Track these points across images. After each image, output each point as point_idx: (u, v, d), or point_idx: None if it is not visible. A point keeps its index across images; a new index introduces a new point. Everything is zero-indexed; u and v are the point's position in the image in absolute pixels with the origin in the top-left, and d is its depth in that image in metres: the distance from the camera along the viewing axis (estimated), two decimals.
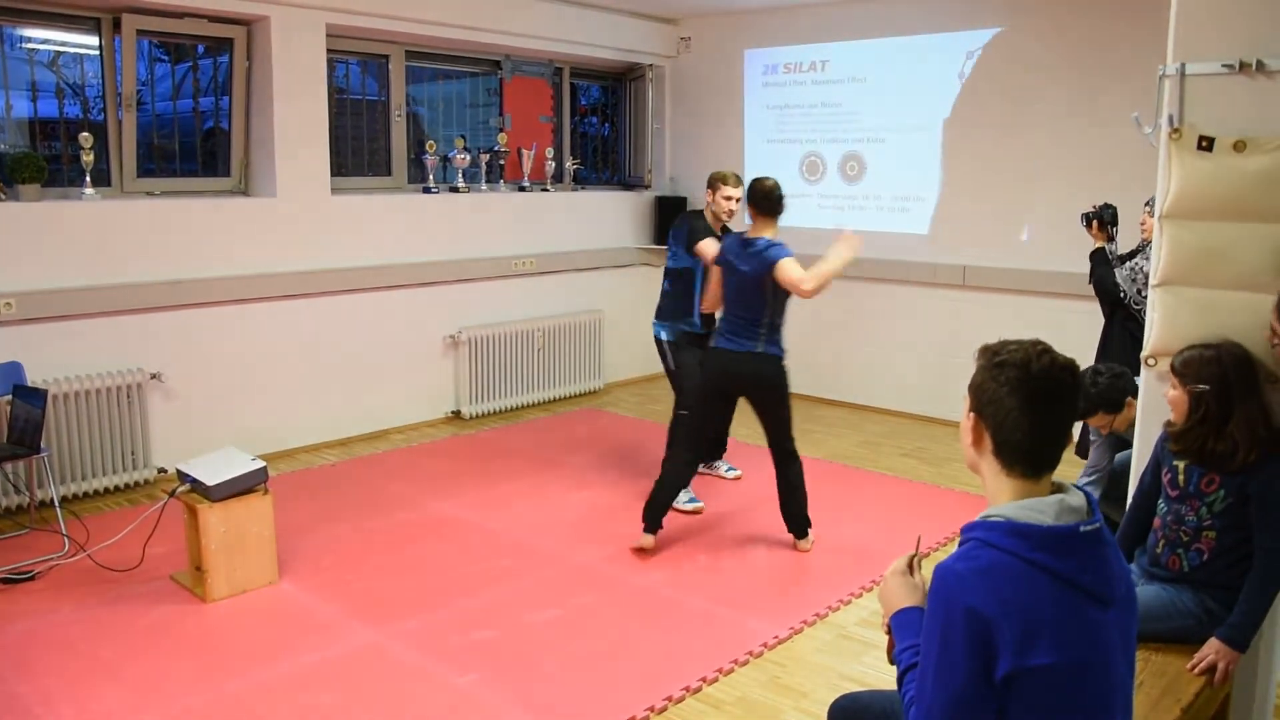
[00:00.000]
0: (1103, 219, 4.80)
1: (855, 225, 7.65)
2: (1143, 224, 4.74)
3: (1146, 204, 4.65)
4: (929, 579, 1.85)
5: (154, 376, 5.68)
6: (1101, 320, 4.91)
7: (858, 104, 7.61)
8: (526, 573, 4.63)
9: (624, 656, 3.87)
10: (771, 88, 8.10)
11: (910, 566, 2.11)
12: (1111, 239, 4.84)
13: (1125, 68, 6.20)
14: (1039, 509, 1.77)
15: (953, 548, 2.05)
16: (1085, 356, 5.00)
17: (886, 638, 2.09)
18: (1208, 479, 2.88)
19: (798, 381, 8.00)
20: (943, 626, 1.73)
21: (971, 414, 1.87)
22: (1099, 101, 6.36)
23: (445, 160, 7.41)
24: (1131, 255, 4.79)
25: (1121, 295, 4.70)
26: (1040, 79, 6.62)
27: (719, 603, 4.29)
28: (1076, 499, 1.81)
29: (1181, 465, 2.95)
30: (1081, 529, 1.77)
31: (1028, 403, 1.78)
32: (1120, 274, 4.70)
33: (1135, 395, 3.55)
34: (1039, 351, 1.81)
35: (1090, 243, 4.90)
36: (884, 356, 7.62)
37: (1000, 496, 1.84)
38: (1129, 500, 3.18)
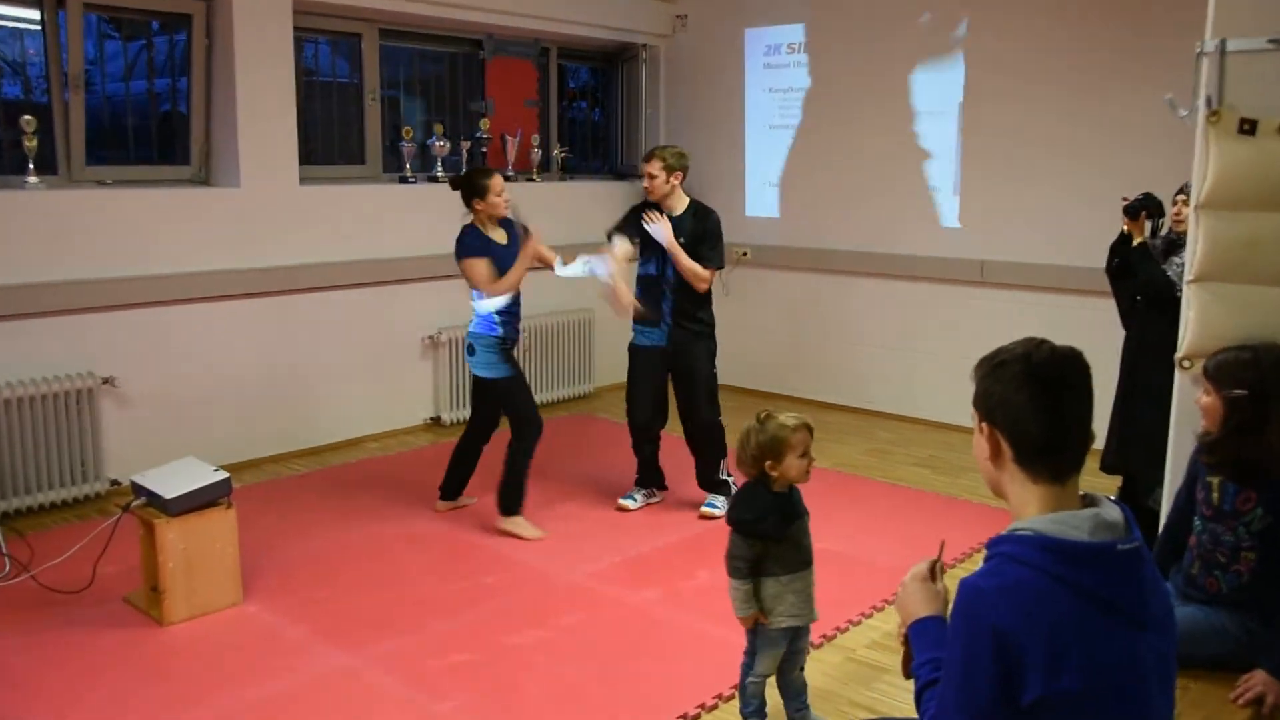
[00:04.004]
0: (1149, 209, 4.75)
1: (865, 217, 7.64)
2: (1176, 214, 4.70)
3: (1180, 192, 4.62)
4: (952, 590, 1.83)
5: (106, 381, 5.64)
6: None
7: (876, 90, 7.58)
8: (509, 591, 4.60)
9: (614, 682, 3.84)
10: (774, 69, 8.08)
11: (932, 572, 2.10)
12: (1155, 233, 4.80)
13: (1159, 44, 6.18)
14: (1072, 523, 1.75)
15: (970, 565, 2.02)
16: (1116, 359, 4.99)
17: (903, 649, 2.07)
18: (1244, 496, 2.85)
19: (799, 383, 8.03)
20: (966, 646, 1.73)
21: (983, 425, 1.87)
22: (1129, 82, 6.34)
23: (423, 148, 7.39)
24: (1171, 248, 4.72)
25: (1177, 293, 4.64)
26: (1064, 58, 6.60)
27: (717, 624, 4.24)
28: (1113, 514, 1.79)
29: (1216, 482, 2.92)
30: (1119, 547, 1.74)
31: (1038, 394, 1.79)
32: (1171, 271, 4.63)
33: None
34: (1036, 344, 1.84)
35: (1111, 235, 4.87)
36: (894, 358, 7.60)
37: (1027, 508, 1.82)
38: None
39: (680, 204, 5.43)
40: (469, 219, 5.27)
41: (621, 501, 5.64)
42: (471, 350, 5.22)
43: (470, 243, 5.19)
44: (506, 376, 5.20)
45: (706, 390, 5.47)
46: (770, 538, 3.21)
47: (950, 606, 1.84)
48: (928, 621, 2.02)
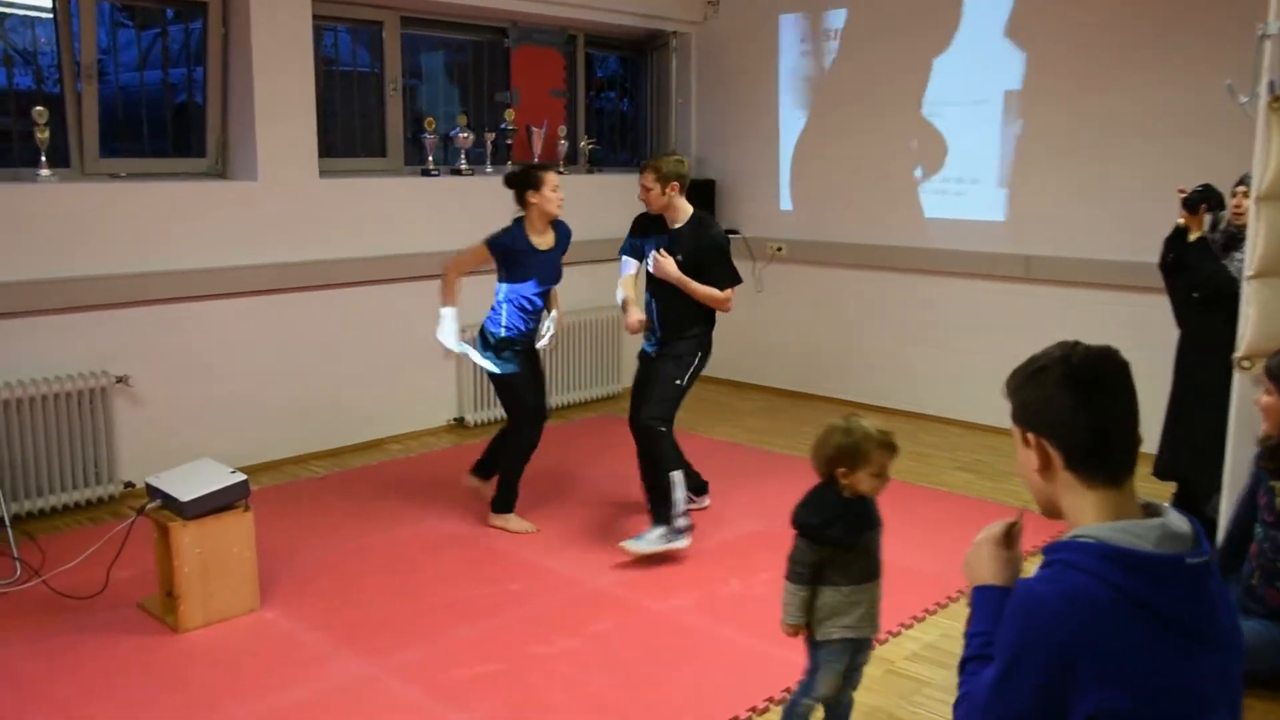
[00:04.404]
0: (1209, 202, 4.69)
1: (905, 211, 7.60)
2: (1236, 206, 4.64)
3: (1240, 183, 4.56)
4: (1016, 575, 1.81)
5: (120, 380, 5.67)
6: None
7: (916, 76, 7.54)
8: (535, 598, 4.60)
9: (643, 693, 3.83)
10: (809, 59, 8.05)
11: (1008, 536, 2.05)
12: (1215, 226, 4.75)
13: (1218, 27, 6.12)
14: (1136, 532, 1.73)
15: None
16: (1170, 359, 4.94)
17: (968, 611, 2.05)
18: None
19: (837, 383, 7.99)
20: (1015, 646, 1.72)
21: (1028, 437, 1.86)
22: (1186, 67, 6.27)
23: (446, 140, 7.39)
24: (1231, 242, 4.67)
25: (1237, 290, 4.58)
26: (1118, 42, 6.54)
27: (751, 633, 4.24)
28: (1180, 525, 1.76)
29: (1278, 487, 2.88)
30: (1187, 560, 1.71)
31: (1082, 394, 1.79)
32: (1231, 267, 4.57)
33: None
34: (1071, 346, 1.84)
35: (1165, 228, 4.82)
36: (937, 358, 7.56)
37: (1084, 515, 1.80)
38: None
39: (682, 214, 5.20)
40: (519, 215, 5.35)
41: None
42: (481, 341, 5.32)
43: (498, 236, 5.30)
44: (508, 373, 5.29)
45: (659, 392, 5.12)
46: (837, 544, 3.13)
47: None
48: (991, 591, 1.99)
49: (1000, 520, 2.08)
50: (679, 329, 5.18)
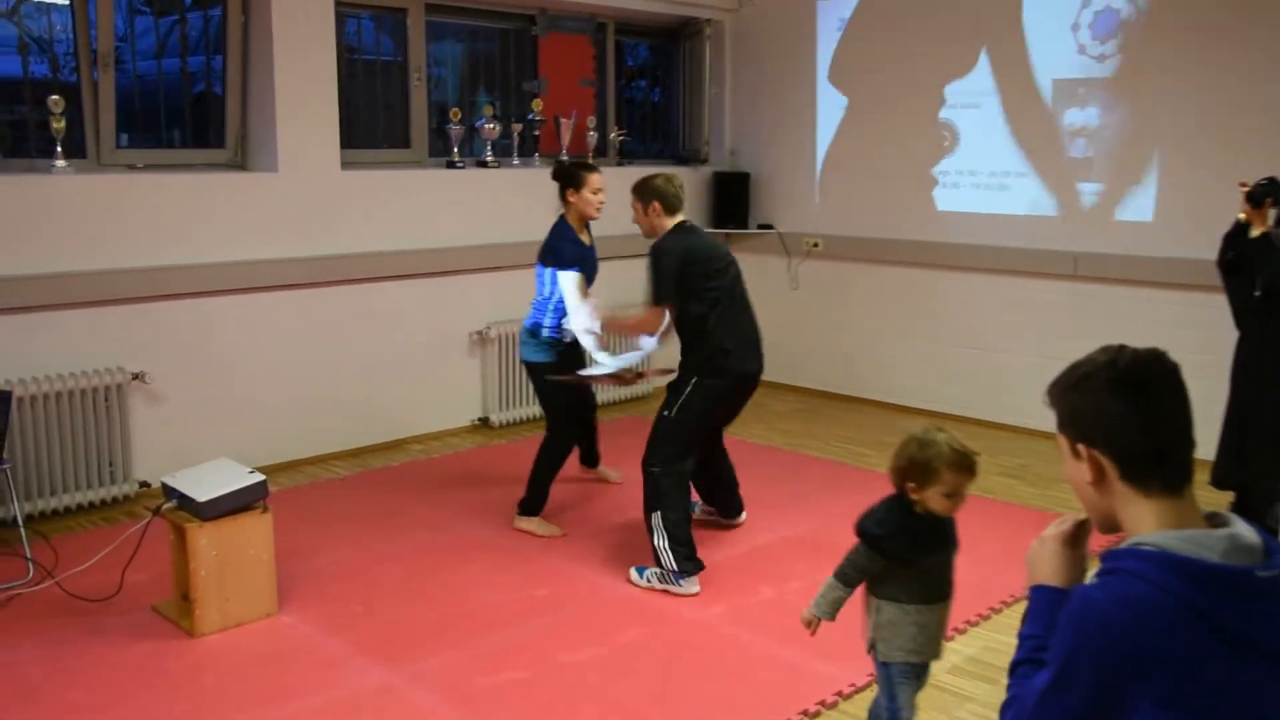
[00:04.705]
0: (1275, 197, 4.62)
1: (947, 205, 7.55)
2: None
3: None
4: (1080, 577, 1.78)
5: (136, 377, 5.69)
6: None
7: (955, 63, 7.49)
8: (563, 604, 4.59)
9: (674, 704, 3.81)
10: (849, 44, 7.99)
11: (1077, 533, 2.00)
12: (1279, 222, 4.68)
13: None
14: (1204, 542, 1.68)
15: None
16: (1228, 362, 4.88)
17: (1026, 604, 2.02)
18: None
19: (874, 383, 7.94)
20: (1068, 655, 1.68)
21: (1078, 448, 1.82)
22: (1254, 54, 6.19)
23: (472, 130, 7.39)
24: None
25: None
26: (1180, 29, 6.46)
27: (786, 643, 4.21)
28: (1250, 536, 1.71)
29: None
30: (1258, 573, 1.67)
31: (1133, 398, 1.75)
32: None
33: None
34: (1116, 349, 1.81)
35: (1224, 224, 4.76)
36: (979, 358, 7.50)
37: (1144, 524, 1.76)
38: None
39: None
40: (560, 211, 5.38)
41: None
42: (525, 337, 5.40)
43: (566, 251, 5.25)
44: (543, 361, 5.35)
45: (652, 432, 4.95)
46: (896, 558, 3.06)
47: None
48: (1050, 592, 1.94)
49: (1071, 515, 2.02)
50: (681, 354, 5.01)
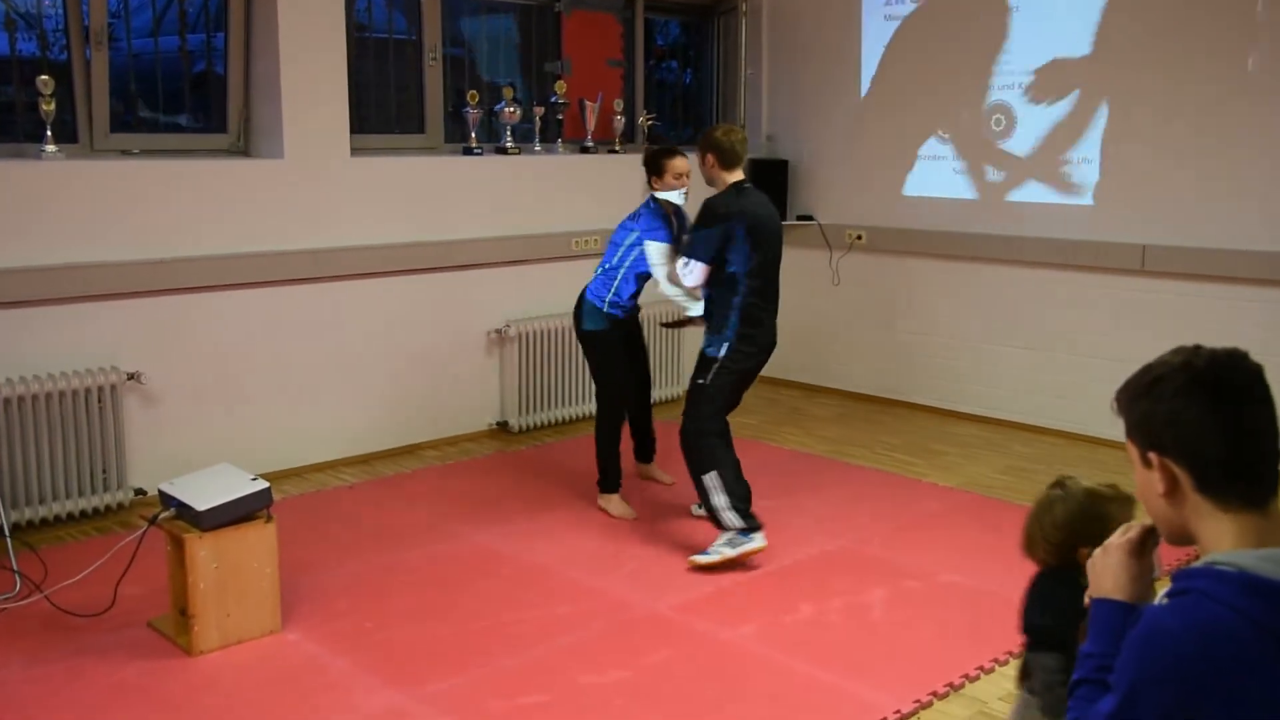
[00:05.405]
0: None
1: (1001, 194, 7.50)
2: None
3: None
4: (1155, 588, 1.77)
5: (131, 377, 5.71)
6: None
7: (1005, 39, 7.45)
8: (585, 623, 4.58)
9: None
10: (895, 22, 7.98)
11: (1144, 543, 1.98)
12: None
13: None
14: None
15: None
16: None
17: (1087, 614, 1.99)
18: None
19: (921, 387, 7.91)
20: (1135, 682, 1.67)
21: (1150, 457, 1.80)
22: None
23: (490, 114, 7.40)
24: None
25: None
26: None
27: (825, 666, 4.20)
28: None
29: None
30: None
31: (1211, 405, 1.73)
32: None
33: None
34: (1192, 351, 1.79)
35: None
36: (1035, 360, 7.45)
37: (1221, 541, 1.74)
38: None
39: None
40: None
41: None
42: (588, 308, 5.77)
43: (646, 220, 5.68)
44: (601, 330, 5.74)
45: (689, 400, 5.27)
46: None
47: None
48: (1115, 607, 1.92)
49: (1137, 523, 2.00)
50: (708, 319, 5.31)
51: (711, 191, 5.28)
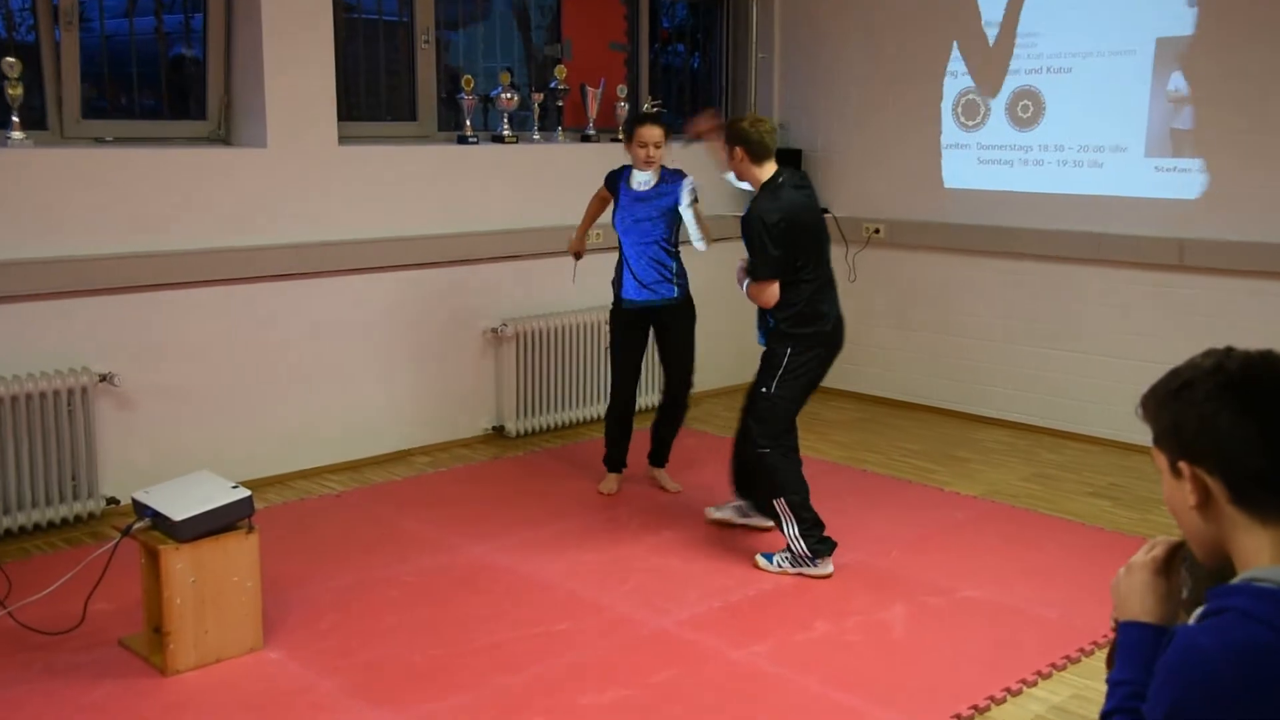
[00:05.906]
0: None
1: (1028, 185, 7.49)
2: None
3: None
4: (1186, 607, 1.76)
5: (103, 378, 5.69)
6: None
7: (1033, 21, 7.45)
8: (586, 641, 4.57)
9: None
10: (916, 3, 7.95)
11: (1170, 560, 1.95)
12: None
13: None
14: None
15: None
16: None
17: (1111, 639, 1.97)
18: None
19: (943, 390, 7.89)
20: (1170, 711, 1.64)
21: (1180, 466, 1.78)
22: None
23: (486, 101, 7.40)
24: None
25: None
26: None
27: (842, 687, 4.18)
28: None
29: None
30: None
31: (1245, 412, 1.71)
32: None
33: None
34: (1224, 353, 1.78)
35: None
36: (1065, 361, 7.45)
37: (1259, 556, 1.72)
38: None
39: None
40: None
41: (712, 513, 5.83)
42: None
43: (609, 175, 6.11)
44: (611, 310, 6.21)
45: (755, 414, 5.34)
46: None
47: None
48: (1141, 630, 1.90)
49: (1163, 539, 1.99)
50: (762, 315, 5.33)
51: (725, 187, 5.37)
